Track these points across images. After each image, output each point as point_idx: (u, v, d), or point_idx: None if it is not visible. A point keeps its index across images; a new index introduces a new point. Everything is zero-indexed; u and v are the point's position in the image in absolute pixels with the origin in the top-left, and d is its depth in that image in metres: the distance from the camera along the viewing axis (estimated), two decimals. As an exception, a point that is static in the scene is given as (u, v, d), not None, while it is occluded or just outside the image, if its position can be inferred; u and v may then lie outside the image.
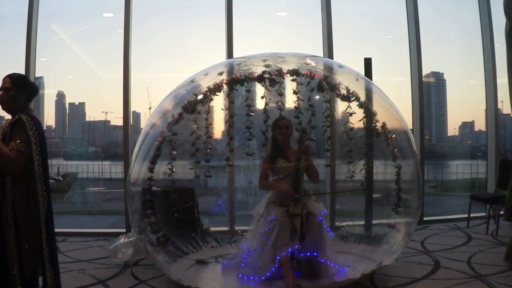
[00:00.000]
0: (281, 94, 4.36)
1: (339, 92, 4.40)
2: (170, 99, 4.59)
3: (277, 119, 4.24)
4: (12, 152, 2.66)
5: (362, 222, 5.37)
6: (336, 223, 5.65)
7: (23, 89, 2.86)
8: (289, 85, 4.36)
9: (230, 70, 4.51)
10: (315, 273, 4.00)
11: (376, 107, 4.49)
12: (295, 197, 3.93)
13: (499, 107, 7.42)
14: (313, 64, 4.48)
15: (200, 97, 4.31)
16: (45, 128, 10.87)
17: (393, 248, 4.30)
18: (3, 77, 2.91)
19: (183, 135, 4.44)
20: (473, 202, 6.36)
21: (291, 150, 4.17)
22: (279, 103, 4.39)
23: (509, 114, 11.39)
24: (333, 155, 5.09)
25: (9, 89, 2.82)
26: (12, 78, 2.86)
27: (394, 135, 4.46)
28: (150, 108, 8.32)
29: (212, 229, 5.40)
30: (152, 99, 8.36)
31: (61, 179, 11.97)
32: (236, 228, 5.89)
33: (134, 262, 4.77)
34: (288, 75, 4.29)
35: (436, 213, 8.36)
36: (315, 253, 3.92)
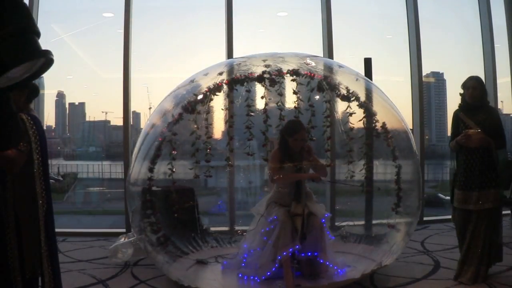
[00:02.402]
0: (281, 94, 4.36)
1: (339, 92, 4.40)
2: (170, 99, 4.59)
3: (295, 127, 4.10)
4: (12, 151, 2.66)
5: (362, 222, 5.37)
6: (336, 223, 5.66)
7: (23, 88, 2.87)
8: (289, 85, 4.36)
9: (230, 70, 4.50)
10: (315, 273, 4.00)
11: (376, 107, 4.49)
12: (296, 198, 3.94)
13: (499, 107, 7.43)
14: (313, 64, 4.47)
15: (200, 97, 4.31)
16: (45, 128, 10.85)
17: (393, 248, 4.30)
18: None
19: (183, 135, 4.44)
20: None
21: (297, 151, 4.16)
22: (279, 103, 4.39)
23: (509, 114, 11.37)
24: (333, 155, 5.10)
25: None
26: None
27: (394, 135, 4.46)
28: (150, 108, 8.32)
29: (212, 229, 5.40)
30: (152, 99, 8.36)
31: (61, 179, 11.97)
32: (236, 228, 5.89)
33: (134, 262, 4.77)
34: (288, 75, 4.28)
35: (436, 213, 8.35)
36: (315, 253, 3.92)
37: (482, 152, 3.92)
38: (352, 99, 4.37)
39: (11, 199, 2.73)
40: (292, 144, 4.04)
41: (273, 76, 4.26)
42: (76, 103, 12.62)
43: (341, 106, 4.49)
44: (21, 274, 2.74)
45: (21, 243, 2.75)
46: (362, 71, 5.39)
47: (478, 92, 4.01)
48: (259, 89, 4.38)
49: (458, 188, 4.03)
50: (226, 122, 4.52)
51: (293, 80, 4.30)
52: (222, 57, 6.41)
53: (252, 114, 4.37)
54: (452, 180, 4.20)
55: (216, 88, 4.31)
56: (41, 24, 6.44)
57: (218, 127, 4.74)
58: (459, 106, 4.16)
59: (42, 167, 2.82)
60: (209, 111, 4.40)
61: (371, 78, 5.32)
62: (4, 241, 2.71)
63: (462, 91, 4.11)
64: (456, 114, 4.15)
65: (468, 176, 3.96)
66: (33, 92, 2.97)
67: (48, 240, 2.84)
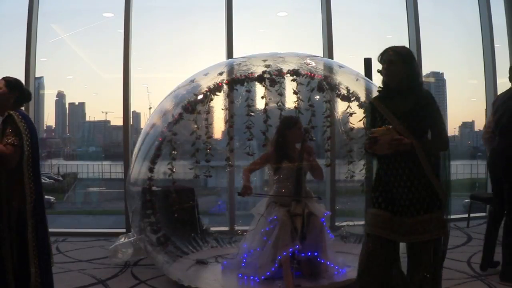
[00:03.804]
0: (281, 94, 4.37)
1: (339, 92, 4.41)
2: (170, 99, 4.60)
3: (292, 119, 4.21)
4: (7, 147, 2.73)
5: (362, 222, 5.36)
6: (336, 223, 5.66)
7: (13, 90, 2.92)
8: (289, 85, 4.37)
9: (230, 70, 4.51)
10: (315, 273, 4.00)
11: (376, 107, 4.49)
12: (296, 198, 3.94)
13: (499, 107, 7.40)
14: (313, 64, 4.48)
15: (200, 97, 4.32)
16: (45, 128, 10.88)
17: (393, 248, 4.30)
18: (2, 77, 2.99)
19: (183, 135, 4.45)
20: (473, 202, 6.35)
21: (296, 150, 4.17)
22: (279, 103, 4.39)
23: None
24: (333, 155, 5.10)
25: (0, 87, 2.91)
26: (7, 81, 2.95)
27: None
28: (150, 108, 8.31)
29: (212, 229, 5.40)
30: (152, 99, 8.35)
31: (61, 179, 11.97)
32: (236, 228, 5.89)
33: (134, 262, 4.77)
34: (288, 75, 4.29)
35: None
36: (315, 253, 3.92)
37: (414, 157, 2.61)
38: (352, 99, 4.38)
39: (5, 194, 2.75)
40: (291, 137, 4.07)
41: (273, 76, 4.27)
42: (76, 103, 12.61)
43: (341, 106, 4.50)
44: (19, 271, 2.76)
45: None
46: (362, 71, 5.39)
47: (396, 69, 2.67)
48: (259, 89, 4.39)
49: (377, 207, 2.72)
50: (226, 122, 4.53)
51: (293, 80, 4.31)
52: (222, 57, 6.41)
53: (252, 114, 4.38)
54: (368, 196, 3.06)
55: (216, 88, 4.32)
56: (41, 24, 6.49)
57: (218, 127, 4.74)
58: (378, 91, 2.94)
59: (32, 159, 2.85)
60: (209, 111, 4.40)
61: (371, 78, 5.31)
62: (1, 237, 2.73)
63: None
64: (370, 103, 2.88)
65: (394, 193, 2.68)
66: (23, 97, 3.01)
67: (36, 235, 2.84)
